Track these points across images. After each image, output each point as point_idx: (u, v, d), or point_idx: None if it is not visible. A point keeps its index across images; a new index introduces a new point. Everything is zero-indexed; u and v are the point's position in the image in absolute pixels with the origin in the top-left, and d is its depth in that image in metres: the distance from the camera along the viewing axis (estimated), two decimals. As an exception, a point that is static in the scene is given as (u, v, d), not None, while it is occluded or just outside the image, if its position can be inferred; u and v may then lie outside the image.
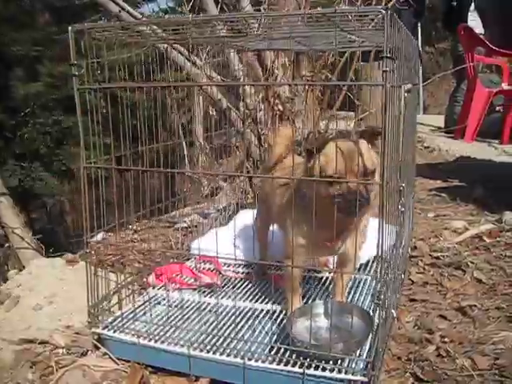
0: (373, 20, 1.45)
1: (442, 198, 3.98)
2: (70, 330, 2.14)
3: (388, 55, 1.40)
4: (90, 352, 1.97)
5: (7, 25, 8.88)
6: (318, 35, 2.10)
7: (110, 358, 1.90)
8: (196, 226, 3.58)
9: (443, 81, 12.20)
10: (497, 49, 5.64)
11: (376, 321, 1.62)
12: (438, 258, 2.75)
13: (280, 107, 3.22)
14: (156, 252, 3.03)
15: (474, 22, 6.40)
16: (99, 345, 1.95)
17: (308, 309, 1.86)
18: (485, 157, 5.24)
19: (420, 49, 6.73)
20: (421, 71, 6.71)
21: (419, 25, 9.45)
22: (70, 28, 1.72)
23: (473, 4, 6.47)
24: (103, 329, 1.94)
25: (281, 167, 2.04)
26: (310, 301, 2.12)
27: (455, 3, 6.59)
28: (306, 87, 3.36)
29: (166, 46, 3.00)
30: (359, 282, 2.31)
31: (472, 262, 2.62)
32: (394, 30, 1.49)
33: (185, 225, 3.88)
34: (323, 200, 1.64)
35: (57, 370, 1.85)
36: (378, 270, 1.55)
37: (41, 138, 7.95)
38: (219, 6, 3.38)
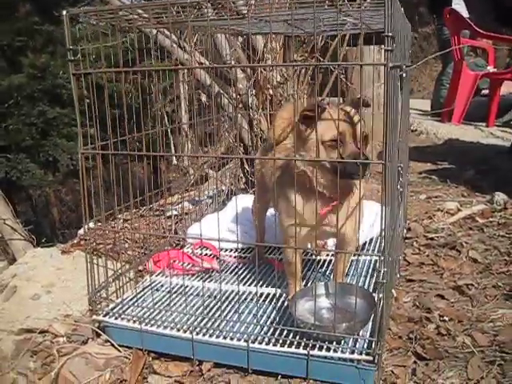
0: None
1: (433, 180, 4.01)
2: (70, 318, 2.13)
3: (390, 34, 1.39)
4: (90, 340, 1.96)
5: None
6: (309, 18, 2.09)
7: (112, 345, 1.90)
8: (187, 214, 3.56)
9: (426, 65, 12.24)
10: (483, 32, 5.67)
11: (379, 300, 1.62)
12: (432, 238, 2.77)
13: (271, 92, 3.20)
14: (149, 240, 3.02)
15: (458, 6, 6.41)
16: (100, 332, 1.94)
17: (309, 290, 1.86)
18: (473, 139, 5.27)
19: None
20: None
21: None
22: (64, 12, 1.69)
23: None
24: (104, 316, 1.93)
25: (281, 148, 2.03)
26: (310, 283, 2.12)
27: (440, -13, 6.59)
28: (297, 72, 3.34)
29: (154, 31, 2.97)
30: (356, 263, 2.32)
31: (466, 242, 2.65)
32: (394, 9, 1.48)
33: (175, 212, 3.85)
34: (319, 168, 1.66)
35: (59, 358, 1.84)
36: (381, 249, 1.56)
37: (26, 130, 7.83)
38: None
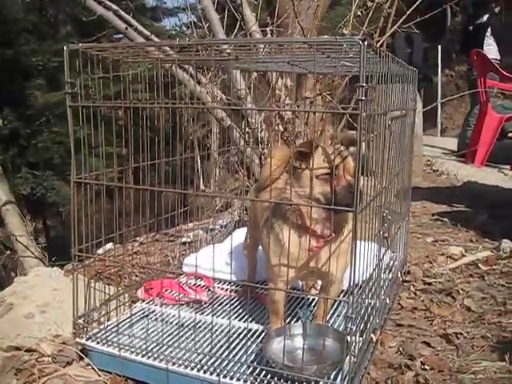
0: (351, 49, 1.48)
1: (444, 222, 3.97)
2: (59, 339, 2.18)
3: (363, 84, 1.43)
4: (75, 362, 2.01)
5: (28, 35, 9.07)
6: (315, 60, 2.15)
7: (93, 368, 1.94)
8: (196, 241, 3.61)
9: (462, 103, 12.17)
10: (509, 75, 5.64)
11: (350, 344, 1.63)
12: (430, 283, 2.75)
13: (281, 127, 3.26)
14: (153, 266, 3.08)
15: (490, 47, 6.41)
16: (83, 355, 1.99)
17: (285, 329, 1.87)
18: (493, 182, 5.21)
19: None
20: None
21: (439, 47, 9.48)
22: (65, 48, 1.78)
23: (489, 29, 6.48)
24: (87, 340, 1.98)
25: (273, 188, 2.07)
26: (294, 321, 2.13)
27: (471, 27, 6.60)
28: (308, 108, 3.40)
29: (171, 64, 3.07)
30: (339, 305, 2.32)
31: (463, 290, 2.62)
32: (375, 59, 1.53)
33: (187, 239, 3.90)
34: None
35: (39, 378, 1.89)
36: (351, 295, 1.57)
37: (55, 148, 8.07)
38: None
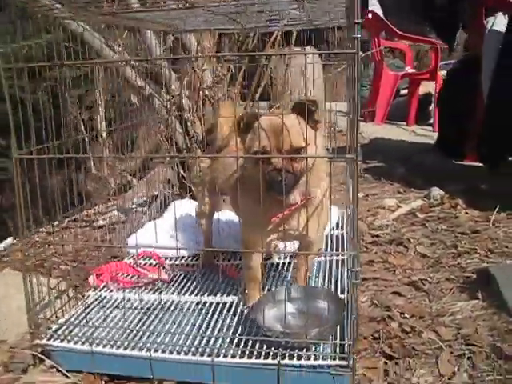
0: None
1: (366, 178, 4.04)
2: (5, 344, 1.90)
3: (358, 21, 1.32)
4: (31, 367, 1.74)
5: None
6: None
7: (59, 370, 1.69)
8: (117, 224, 3.36)
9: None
10: (401, 33, 5.83)
11: (351, 301, 1.55)
12: (378, 236, 2.76)
13: (206, 92, 3.08)
14: (81, 253, 2.81)
15: (374, 7, 6.58)
16: (43, 357, 1.73)
17: (271, 296, 1.76)
18: (397, 137, 5.40)
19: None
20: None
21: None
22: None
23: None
24: (48, 339, 1.72)
25: (232, 149, 1.91)
26: (266, 288, 2.02)
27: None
28: (231, 71, 3.24)
29: (81, 28, 2.77)
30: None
31: (413, 238, 2.66)
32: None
33: (103, 222, 3.63)
34: (258, 177, 1.54)
35: (-2, 392, 1.62)
36: (355, 247, 1.48)
37: None
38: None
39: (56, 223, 4.75)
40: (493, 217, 2.75)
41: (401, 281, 2.27)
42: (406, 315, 1.97)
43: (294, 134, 1.51)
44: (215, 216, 2.24)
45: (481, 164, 3.83)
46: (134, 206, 3.89)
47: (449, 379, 1.60)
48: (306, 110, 1.51)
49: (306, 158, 1.52)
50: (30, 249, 2.37)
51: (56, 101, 2.31)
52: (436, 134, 4.84)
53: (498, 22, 3.52)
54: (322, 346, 1.60)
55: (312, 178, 1.60)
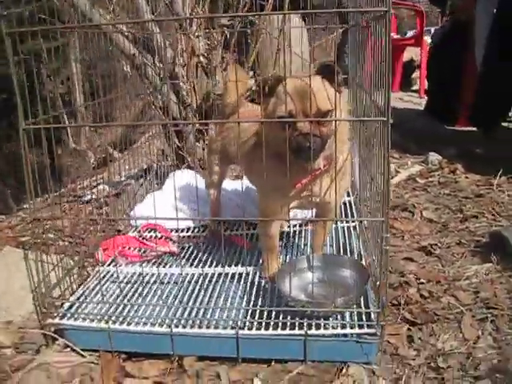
0: None
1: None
2: (13, 325, 1.83)
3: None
4: (44, 347, 1.68)
5: None
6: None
7: (73, 350, 1.63)
8: (107, 197, 3.27)
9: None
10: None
11: (379, 268, 1.51)
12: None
13: (201, 59, 2.98)
14: (77, 227, 2.73)
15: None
16: (57, 336, 1.66)
17: (292, 265, 1.72)
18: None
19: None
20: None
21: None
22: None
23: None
24: (61, 318, 1.66)
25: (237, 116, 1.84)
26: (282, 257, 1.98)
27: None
28: (223, 38, 3.14)
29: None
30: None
31: (417, 203, 2.64)
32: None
33: (91, 197, 3.52)
34: (282, 143, 1.49)
35: (12, 375, 1.55)
36: (383, 213, 1.45)
37: None
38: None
39: (45, 198, 4.64)
40: (496, 181, 2.75)
41: (410, 246, 2.25)
42: (422, 280, 1.96)
43: (320, 97, 1.45)
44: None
45: (473, 128, 3.82)
46: (123, 178, 3.80)
47: (474, 343, 1.59)
48: (334, 72, 1.45)
49: (335, 121, 1.47)
50: (27, 225, 2.28)
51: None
52: (422, 101, 4.82)
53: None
54: (347, 314, 1.58)
55: (336, 143, 1.55)
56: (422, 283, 1.94)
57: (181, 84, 2.99)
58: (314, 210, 1.86)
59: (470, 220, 2.39)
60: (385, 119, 1.37)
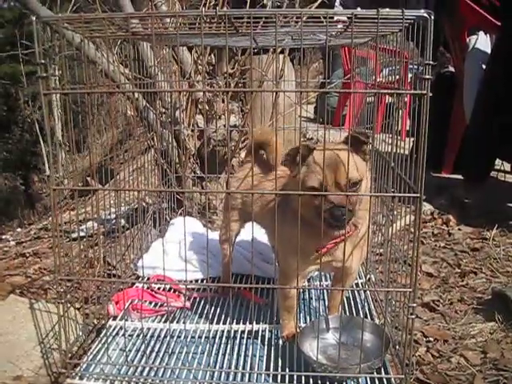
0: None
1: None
2: (22, 381, 1.80)
3: (430, 62, 1.33)
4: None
5: None
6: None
7: (92, 412, 1.62)
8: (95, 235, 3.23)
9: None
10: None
11: (405, 336, 1.56)
12: (380, 254, 2.78)
13: (206, 106, 3.02)
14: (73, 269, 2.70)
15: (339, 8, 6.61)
16: (76, 398, 1.65)
17: (313, 327, 1.75)
18: (368, 147, 5.49)
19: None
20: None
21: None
22: (34, 18, 1.40)
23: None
24: (81, 379, 1.64)
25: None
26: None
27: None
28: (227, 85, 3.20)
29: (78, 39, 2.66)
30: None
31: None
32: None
33: (82, 234, 3.47)
34: (311, 210, 1.56)
35: None
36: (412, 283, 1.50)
37: None
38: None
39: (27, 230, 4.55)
40: (491, 235, 2.84)
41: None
42: (430, 339, 2.01)
43: (350, 167, 1.50)
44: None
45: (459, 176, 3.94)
46: (112, 216, 3.76)
47: (488, 407, 1.64)
48: (361, 142, 1.53)
49: (370, 196, 1.53)
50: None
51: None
52: (403, 143, 4.92)
53: (481, 41, 3.63)
54: (368, 379, 1.62)
55: (360, 210, 1.61)
56: (430, 341, 2.00)
57: (181, 129, 3.02)
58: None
59: (469, 275, 2.47)
60: (418, 195, 1.43)
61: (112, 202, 4.10)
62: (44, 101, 1.47)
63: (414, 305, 1.50)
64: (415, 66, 1.72)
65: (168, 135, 3.11)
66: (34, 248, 3.65)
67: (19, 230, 4.83)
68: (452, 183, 3.82)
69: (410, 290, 1.50)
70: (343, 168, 1.50)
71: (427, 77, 1.34)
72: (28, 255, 3.52)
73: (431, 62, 1.33)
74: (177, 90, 2.91)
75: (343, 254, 1.66)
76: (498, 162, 3.82)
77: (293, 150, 1.57)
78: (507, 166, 3.97)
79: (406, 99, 1.85)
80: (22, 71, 9.39)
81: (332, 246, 1.64)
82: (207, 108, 3.12)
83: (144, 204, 3.39)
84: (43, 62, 1.42)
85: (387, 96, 5.94)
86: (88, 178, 5.04)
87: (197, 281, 2.32)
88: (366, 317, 1.97)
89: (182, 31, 1.81)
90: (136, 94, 2.95)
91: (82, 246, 3.09)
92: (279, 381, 1.61)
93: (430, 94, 1.36)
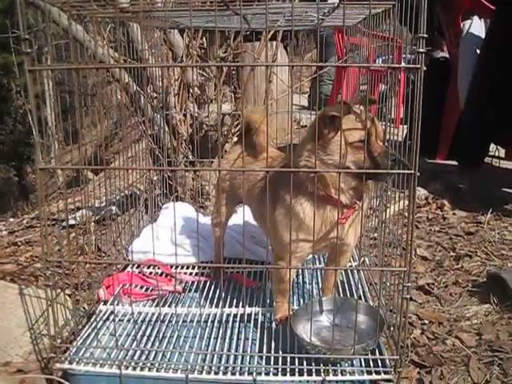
0: None
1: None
2: (11, 366, 1.76)
3: (424, 35, 1.30)
4: (46, 393, 1.63)
5: None
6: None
7: (83, 395, 1.59)
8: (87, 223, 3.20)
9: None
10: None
11: (400, 316, 1.54)
12: (374, 238, 2.76)
13: (197, 90, 2.98)
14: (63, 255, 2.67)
15: None
16: (65, 382, 1.61)
17: (306, 309, 1.72)
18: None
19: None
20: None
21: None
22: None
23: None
24: (70, 363, 1.61)
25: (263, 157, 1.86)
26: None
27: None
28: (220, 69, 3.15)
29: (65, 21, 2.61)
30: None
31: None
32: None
33: (74, 222, 3.43)
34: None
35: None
36: (406, 263, 1.48)
37: None
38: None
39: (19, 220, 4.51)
40: (486, 219, 2.83)
41: (408, 285, 2.28)
42: (425, 321, 1.99)
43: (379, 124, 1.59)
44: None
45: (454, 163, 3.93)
46: (103, 203, 3.71)
47: (484, 387, 1.63)
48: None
49: (365, 173, 1.50)
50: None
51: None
52: (398, 131, 4.90)
53: (475, 26, 3.60)
54: (362, 360, 1.59)
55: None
56: (425, 324, 1.98)
57: (173, 114, 2.98)
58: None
59: (464, 259, 2.45)
60: (413, 172, 1.41)
61: (104, 190, 4.05)
62: (29, 79, 1.42)
63: (409, 284, 1.48)
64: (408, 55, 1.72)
65: (160, 120, 3.07)
66: (26, 237, 3.61)
67: (12, 219, 4.79)
68: (447, 169, 3.79)
69: (405, 269, 1.47)
70: (378, 123, 1.57)
71: (421, 50, 1.31)
72: (20, 244, 3.48)
73: (425, 35, 1.29)
74: (165, 65, 2.86)
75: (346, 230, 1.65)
76: (492, 147, 3.81)
77: (322, 114, 1.54)
78: (502, 153, 3.96)
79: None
80: (13, 61, 9.32)
81: (350, 214, 1.63)
82: (199, 92, 3.08)
83: (137, 191, 3.35)
84: (27, 37, 1.38)
85: (380, 84, 5.95)
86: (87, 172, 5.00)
87: (189, 267, 2.29)
88: (360, 299, 1.95)
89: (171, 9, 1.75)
90: (126, 79, 2.90)
91: (74, 234, 3.10)
92: (272, 363, 1.58)
93: (425, 68, 1.33)
